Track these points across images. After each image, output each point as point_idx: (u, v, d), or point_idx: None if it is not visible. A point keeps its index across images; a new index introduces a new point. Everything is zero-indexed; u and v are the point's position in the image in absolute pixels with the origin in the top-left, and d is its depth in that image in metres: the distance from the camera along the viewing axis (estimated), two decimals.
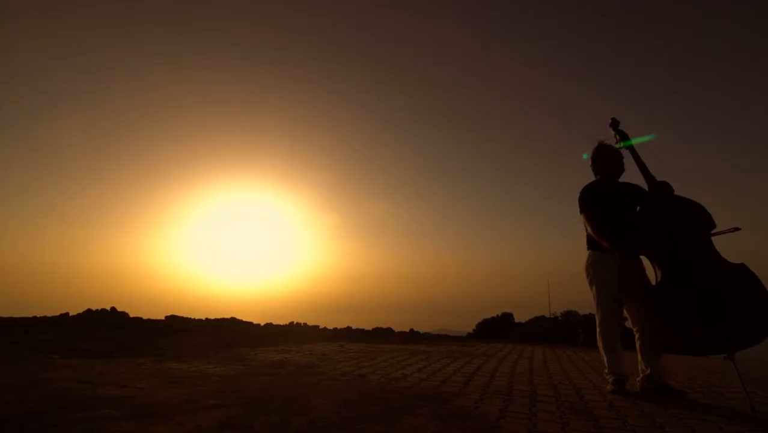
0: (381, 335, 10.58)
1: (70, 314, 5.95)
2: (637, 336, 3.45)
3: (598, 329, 3.49)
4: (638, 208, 3.47)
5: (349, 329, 11.47)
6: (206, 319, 10.92)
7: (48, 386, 2.65)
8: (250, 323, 11.62)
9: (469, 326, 19.41)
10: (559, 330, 16.28)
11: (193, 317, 10.59)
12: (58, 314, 6.09)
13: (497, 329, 17.87)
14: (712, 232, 3.18)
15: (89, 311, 6.09)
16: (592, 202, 3.50)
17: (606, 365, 3.45)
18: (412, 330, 11.61)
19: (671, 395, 3.22)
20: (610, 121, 3.75)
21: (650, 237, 3.28)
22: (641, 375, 3.40)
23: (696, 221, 3.24)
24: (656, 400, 3.06)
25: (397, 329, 12.06)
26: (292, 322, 12.39)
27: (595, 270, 3.50)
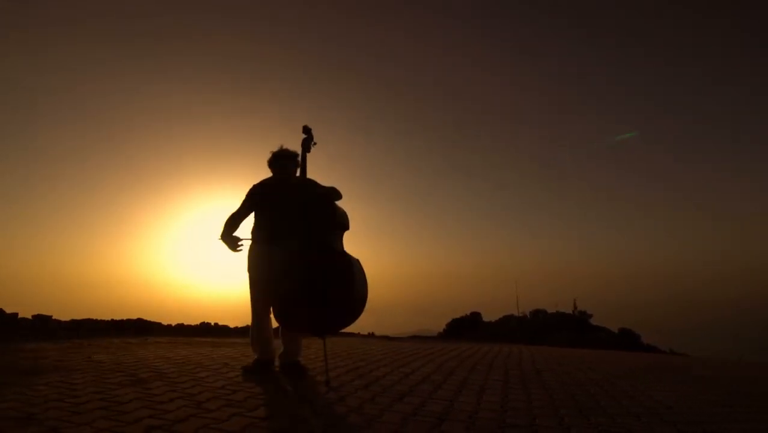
0: None
1: None
2: None
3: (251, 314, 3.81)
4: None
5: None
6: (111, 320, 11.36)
7: None
8: (160, 324, 12.04)
9: (441, 326, 20.08)
10: (529, 328, 16.74)
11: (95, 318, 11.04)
12: None
13: (467, 327, 18.39)
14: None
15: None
16: (250, 195, 3.89)
17: (251, 345, 3.88)
18: None
19: (300, 371, 3.71)
20: (302, 128, 3.79)
21: (286, 228, 3.64)
22: (280, 354, 3.82)
23: (330, 219, 3.60)
24: (288, 376, 3.58)
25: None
26: (203, 322, 12.81)
27: (250, 258, 3.82)
